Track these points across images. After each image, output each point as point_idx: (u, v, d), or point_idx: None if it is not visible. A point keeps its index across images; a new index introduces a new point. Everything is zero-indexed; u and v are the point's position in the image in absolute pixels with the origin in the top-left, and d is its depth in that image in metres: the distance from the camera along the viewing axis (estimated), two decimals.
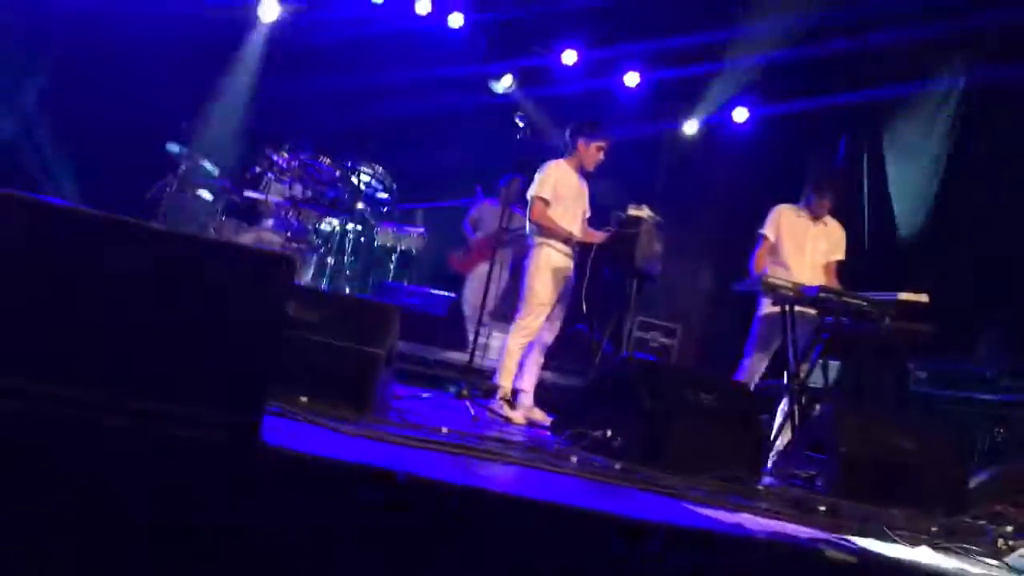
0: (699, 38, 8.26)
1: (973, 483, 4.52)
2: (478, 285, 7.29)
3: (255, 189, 6.54)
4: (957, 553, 2.93)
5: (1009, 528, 3.53)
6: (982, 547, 3.26)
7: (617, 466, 3.47)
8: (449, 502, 2.34)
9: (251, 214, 6.78)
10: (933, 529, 3.53)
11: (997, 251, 6.63)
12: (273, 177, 6.49)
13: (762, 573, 2.22)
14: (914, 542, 2.90)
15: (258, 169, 6.50)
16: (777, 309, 5.56)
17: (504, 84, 8.94)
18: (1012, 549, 3.08)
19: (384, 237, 7.87)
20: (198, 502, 1.97)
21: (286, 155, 6.46)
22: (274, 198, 6.42)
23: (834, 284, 5.83)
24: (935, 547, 2.89)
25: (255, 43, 7.91)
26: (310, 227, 6.76)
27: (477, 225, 8.07)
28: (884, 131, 8.30)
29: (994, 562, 2.89)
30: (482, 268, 7.36)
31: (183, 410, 1.89)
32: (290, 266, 2.28)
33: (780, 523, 2.76)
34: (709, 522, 2.51)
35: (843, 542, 2.62)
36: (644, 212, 5.13)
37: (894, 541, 2.87)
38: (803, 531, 2.66)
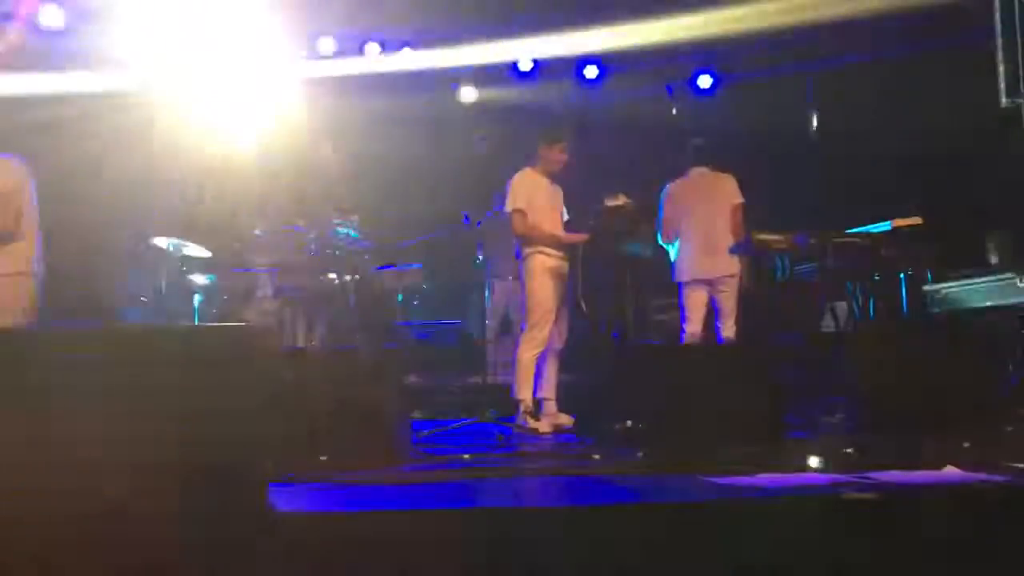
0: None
1: (1005, 391, 4.50)
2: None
3: (239, 266, 6.68)
4: (983, 466, 2.93)
5: None
6: (1014, 454, 3.26)
7: (639, 454, 3.50)
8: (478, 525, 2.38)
9: (244, 289, 6.88)
10: (965, 445, 3.53)
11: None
12: (254, 249, 6.63)
13: (785, 528, 2.24)
14: (939, 464, 2.91)
15: (237, 245, 6.63)
16: None
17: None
18: None
19: (384, 280, 7.94)
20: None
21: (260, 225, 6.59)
22: (260, 270, 6.55)
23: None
24: (960, 465, 2.89)
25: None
26: (306, 287, 6.85)
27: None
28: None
29: (1020, 465, 2.88)
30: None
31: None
32: (270, 336, 2.36)
33: (801, 475, 2.78)
34: (727, 491, 2.54)
35: (863, 479, 2.64)
36: (620, 200, 5.16)
37: (917, 468, 2.88)
38: (824, 478, 2.68)
